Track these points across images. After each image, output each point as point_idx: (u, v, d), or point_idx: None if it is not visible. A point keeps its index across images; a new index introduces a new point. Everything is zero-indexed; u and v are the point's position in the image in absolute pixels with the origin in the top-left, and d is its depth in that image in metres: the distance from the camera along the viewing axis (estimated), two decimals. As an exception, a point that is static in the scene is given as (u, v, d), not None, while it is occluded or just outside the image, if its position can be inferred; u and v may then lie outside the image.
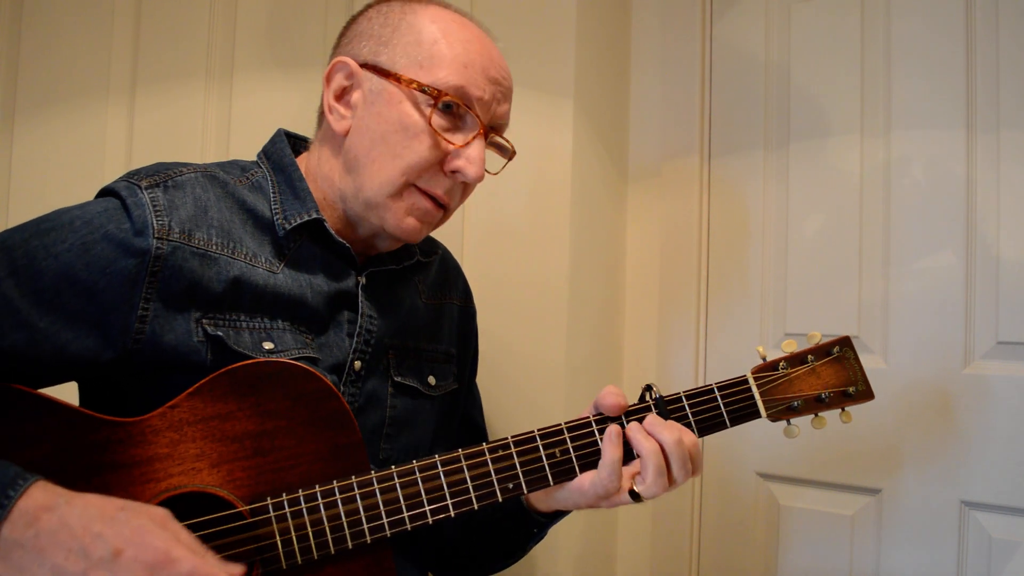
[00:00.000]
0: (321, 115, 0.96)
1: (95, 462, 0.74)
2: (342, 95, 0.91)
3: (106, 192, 0.84)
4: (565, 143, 1.45)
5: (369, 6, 0.94)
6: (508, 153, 0.96)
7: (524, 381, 1.43)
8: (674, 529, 1.58)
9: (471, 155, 0.87)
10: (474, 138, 0.88)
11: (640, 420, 0.88)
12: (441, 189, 0.89)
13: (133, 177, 0.83)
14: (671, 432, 0.85)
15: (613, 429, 0.86)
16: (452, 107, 0.87)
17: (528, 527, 0.97)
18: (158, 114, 1.39)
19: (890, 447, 1.36)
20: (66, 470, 0.70)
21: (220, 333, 0.82)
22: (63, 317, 0.76)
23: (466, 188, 0.94)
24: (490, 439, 1.03)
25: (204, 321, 0.82)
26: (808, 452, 1.45)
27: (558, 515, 0.96)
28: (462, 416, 1.10)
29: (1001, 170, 1.29)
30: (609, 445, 0.85)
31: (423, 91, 0.86)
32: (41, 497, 0.65)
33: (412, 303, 1.01)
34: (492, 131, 0.92)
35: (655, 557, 1.60)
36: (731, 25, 1.58)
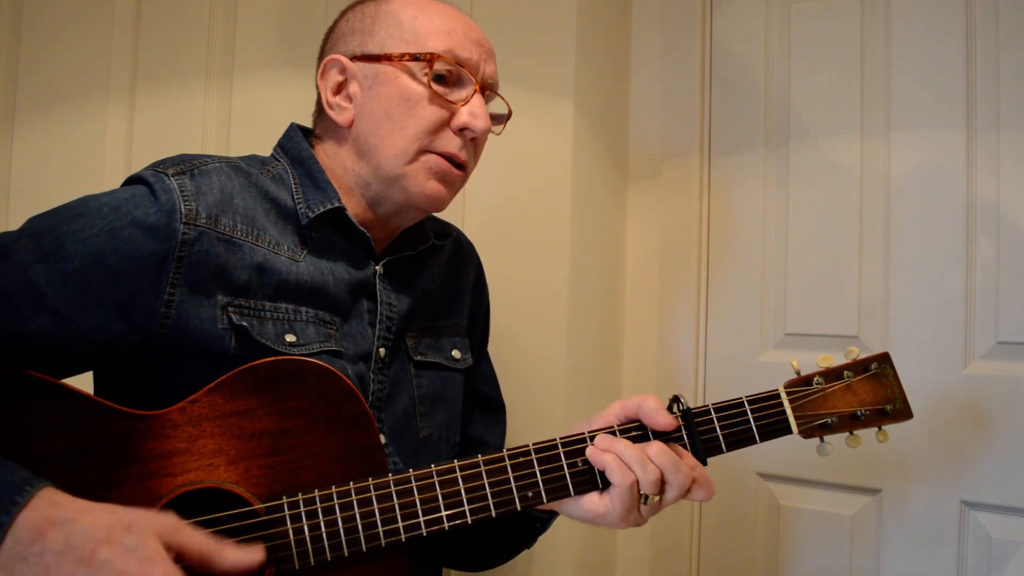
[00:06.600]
0: (318, 114, 0.99)
1: (115, 453, 0.75)
2: (339, 90, 0.95)
3: (133, 180, 0.85)
4: (565, 143, 1.45)
5: (343, 12, 0.99)
6: (505, 116, 1.00)
7: (525, 380, 1.43)
8: (674, 529, 1.58)
9: (474, 110, 0.92)
10: (473, 94, 0.92)
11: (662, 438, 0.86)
12: (455, 147, 0.92)
13: (159, 166, 0.85)
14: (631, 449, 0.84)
15: (609, 459, 0.83)
16: (445, 75, 0.91)
17: (532, 523, 0.98)
18: (158, 114, 1.39)
19: (890, 447, 1.35)
20: (87, 459, 0.71)
21: (244, 323, 0.83)
22: (90, 301, 0.77)
23: (477, 145, 0.97)
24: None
25: (230, 309, 0.83)
26: (808, 452, 1.44)
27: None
28: (473, 391, 1.12)
29: (1001, 170, 1.29)
30: (618, 473, 0.82)
31: (416, 59, 0.90)
32: (46, 510, 0.65)
33: (428, 286, 1.04)
34: (486, 90, 0.96)
35: (655, 557, 1.60)
36: (731, 25, 1.58)
